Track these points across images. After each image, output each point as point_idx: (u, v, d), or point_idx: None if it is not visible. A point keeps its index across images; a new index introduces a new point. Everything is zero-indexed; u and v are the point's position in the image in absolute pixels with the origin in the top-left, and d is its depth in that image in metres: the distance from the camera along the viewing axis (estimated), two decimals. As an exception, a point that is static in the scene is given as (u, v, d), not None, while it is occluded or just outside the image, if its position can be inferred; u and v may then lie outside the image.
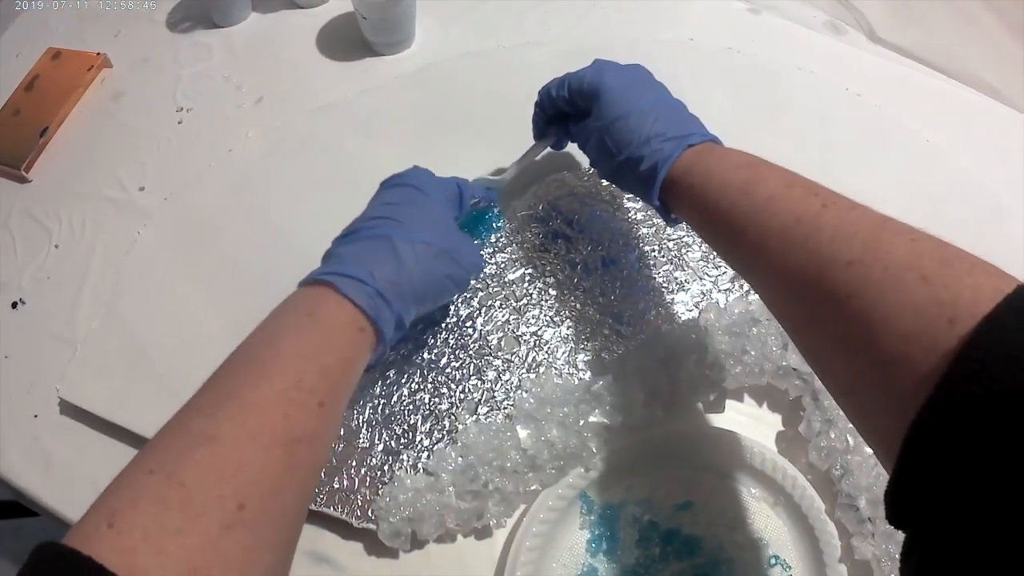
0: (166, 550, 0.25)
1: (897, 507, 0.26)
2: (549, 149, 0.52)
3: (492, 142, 0.56)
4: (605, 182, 0.54)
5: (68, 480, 0.52)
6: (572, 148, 0.52)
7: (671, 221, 0.44)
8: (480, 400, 0.47)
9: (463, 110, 0.61)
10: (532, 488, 0.45)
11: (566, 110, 0.48)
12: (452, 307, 0.49)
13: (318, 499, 0.46)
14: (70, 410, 0.54)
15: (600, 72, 0.45)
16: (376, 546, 0.47)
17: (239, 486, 0.28)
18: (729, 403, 0.51)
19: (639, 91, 0.44)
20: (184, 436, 0.30)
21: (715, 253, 0.52)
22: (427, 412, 0.46)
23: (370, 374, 0.48)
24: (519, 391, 0.47)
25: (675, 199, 0.41)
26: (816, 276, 0.30)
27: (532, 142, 0.52)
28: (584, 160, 0.56)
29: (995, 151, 0.65)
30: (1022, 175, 0.64)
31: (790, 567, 0.48)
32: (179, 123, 0.65)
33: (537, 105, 0.50)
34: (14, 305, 0.60)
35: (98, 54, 0.71)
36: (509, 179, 0.52)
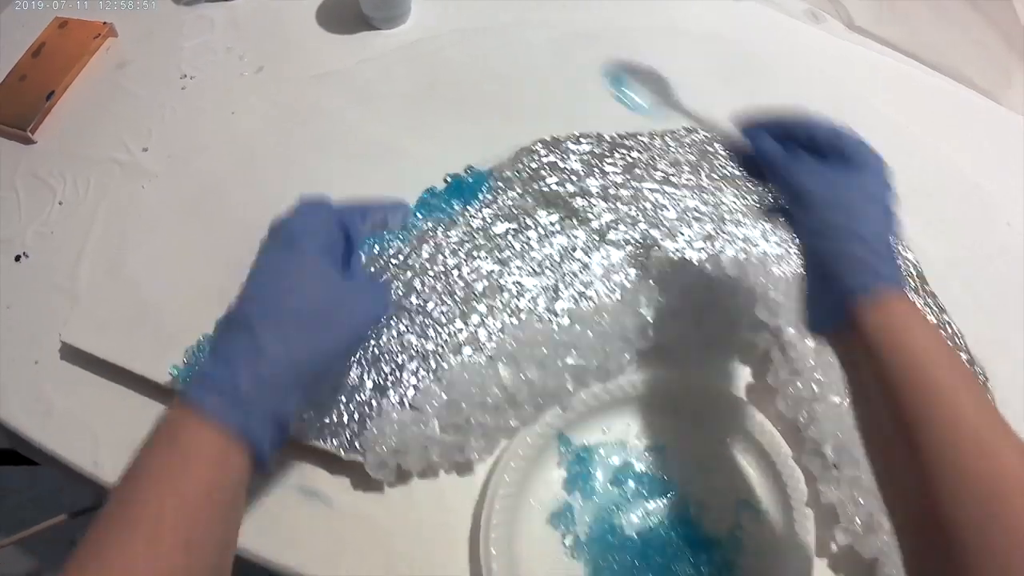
0: None
1: None
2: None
3: (481, 116, 0.59)
4: (585, 145, 0.56)
5: (67, 425, 0.54)
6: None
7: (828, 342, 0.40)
8: (464, 342, 0.49)
9: (456, 84, 0.64)
10: (511, 424, 0.48)
11: (802, 142, 0.41)
12: (440, 256, 0.52)
13: (308, 433, 0.48)
14: (71, 356, 0.56)
15: (866, 153, 0.40)
16: (363, 480, 0.49)
17: None
18: (700, 355, 0.53)
19: (886, 191, 0.40)
20: None
21: (697, 219, 0.55)
22: (414, 352, 0.49)
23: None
24: (501, 334, 0.49)
25: (862, 334, 0.36)
26: (988, 498, 0.30)
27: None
28: (567, 126, 0.59)
29: (970, 138, 0.68)
30: (997, 162, 0.68)
31: (758, 510, 0.51)
32: (182, 89, 0.68)
33: (765, 119, 0.44)
34: (17, 259, 0.62)
35: (104, 24, 0.73)
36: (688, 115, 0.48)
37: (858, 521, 0.49)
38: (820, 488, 0.50)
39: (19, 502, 1.14)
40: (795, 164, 0.41)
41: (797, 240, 0.41)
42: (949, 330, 0.57)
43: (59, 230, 0.62)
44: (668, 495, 0.50)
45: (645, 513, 0.49)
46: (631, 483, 0.50)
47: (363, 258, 0.46)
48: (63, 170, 0.65)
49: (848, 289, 0.36)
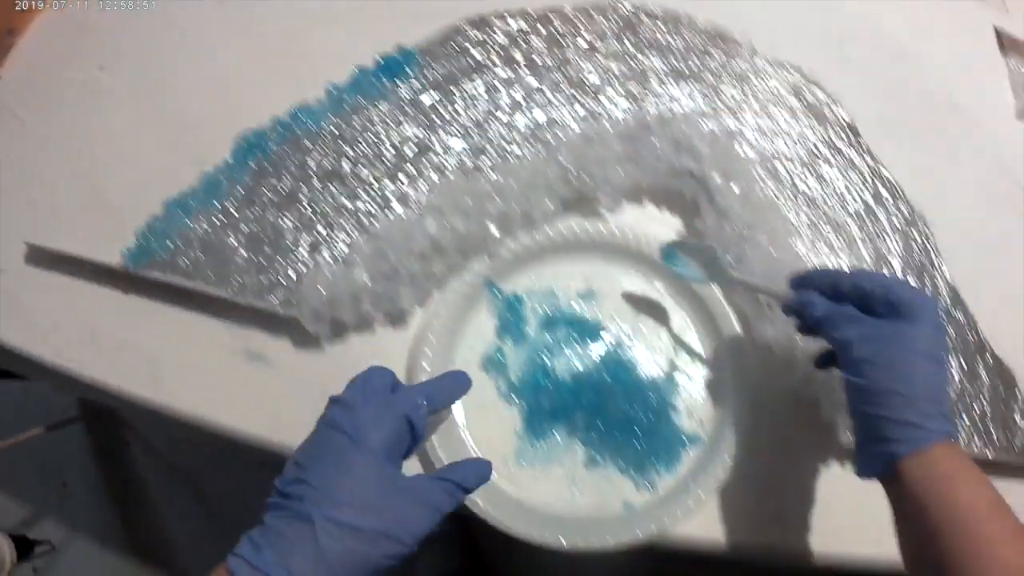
0: None
1: None
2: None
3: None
4: (511, 21, 0.58)
5: (32, 322, 0.56)
6: None
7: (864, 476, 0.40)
8: (393, 200, 0.51)
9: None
10: (439, 272, 0.49)
11: (852, 299, 0.42)
12: (371, 127, 0.54)
13: (247, 295, 0.50)
14: (35, 258, 0.59)
15: (921, 306, 0.40)
16: (303, 339, 0.51)
17: None
18: (629, 206, 0.55)
19: (935, 356, 0.39)
20: None
21: (622, 83, 0.56)
22: (347, 213, 0.51)
23: (295, 183, 0.52)
24: (428, 191, 0.51)
25: (903, 486, 0.38)
26: None
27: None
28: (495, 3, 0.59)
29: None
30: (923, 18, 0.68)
31: (693, 351, 0.52)
32: (137, 10, 0.71)
33: (816, 276, 0.44)
34: (-12, 181, 0.65)
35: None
36: (733, 281, 0.48)
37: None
38: (755, 327, 0.51)
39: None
40: (841, 320, 0.41)
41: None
42: (884, 175, 0.58)
43: (28, 152, 0.65)
44: (600, 338, 0.51)
45: (578, 357, 0.50)
46: (563, 328, 0.51)
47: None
48: (28, 98, 0.68)
49: (892, 451, 0.37)
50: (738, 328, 0.51)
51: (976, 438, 0.52)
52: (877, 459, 0.38)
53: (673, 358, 0.51)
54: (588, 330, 0.51)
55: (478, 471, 0.39)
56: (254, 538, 0.34)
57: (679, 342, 0.52)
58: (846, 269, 0.45)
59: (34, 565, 1.03)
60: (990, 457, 0.51)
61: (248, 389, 0.51)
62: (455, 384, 0.42)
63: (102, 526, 1.08)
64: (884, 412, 0.38)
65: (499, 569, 1.04)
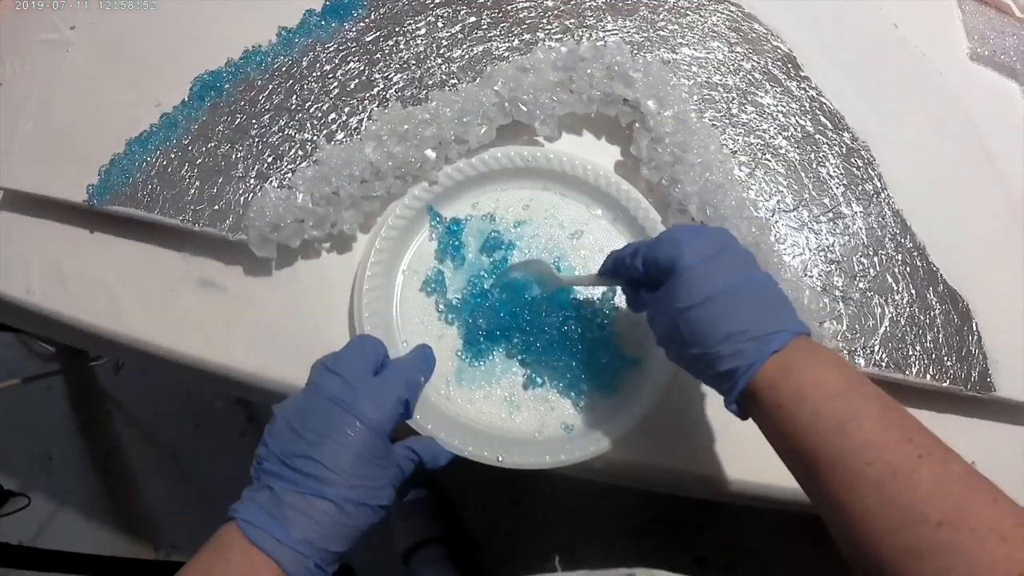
0: None
1: None
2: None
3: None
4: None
5: (7, 265, 0.59)
6: None
7: (742, 417, 0.39)
8: (336, 129, 0.53)
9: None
10: (378, 195, 0.51)
11: (639, 279, 0.43)
12: (318, 64, 0.56)
13: (200, 223, 0.52)
14: (7, 203, 0.62)
15: (676, 244, 0.39)
16: (253, 265, 0.53)
17: None
18: (568, 137, 0.56)
19: (720, 270, 0.38)
20: None
21: (557, 17, 0.58)
22: (292, 143, 0.53)
23: (245, 118, 0.55)
24: (370, 120, 0.53)
25: (755, 410, 0.37)
26: (901, 530, 0.30)
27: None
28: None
29: None
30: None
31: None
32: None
33: (608, 261, 0.45)
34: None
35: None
36: (562, 283, 0.49)
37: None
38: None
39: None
40: (645, 296, 0.42)
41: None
42: (825, 104, 0.59)
43: (1, 106, 0.69)
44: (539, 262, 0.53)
45: (515, 278, 0.52)
46: (501, 251, 0.52)
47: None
48: (2, 57, 0.72)
49: (728, 388, 0.37)
50: (673, 249, 0.52)
51: (930, 368, 0.52)
52: (727, 380, 0.37)
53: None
54: (527, 254, 0.53)
55: (440, 454, 0.43)
56: (265, 506, 0.36)
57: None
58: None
59: (19, 540, 1.06)
60: (943, 386, 0.51)
61: (203, 316, 0.53)
62: (430, 360, 0.45)
63: (86, 496, 1.11)
64: (701, 365, 0.38)
65: (473, 537, 1.06)
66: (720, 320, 0.37)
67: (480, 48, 0.56)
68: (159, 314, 0.54)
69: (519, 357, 0.50)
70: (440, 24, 0.57)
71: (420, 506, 1.01)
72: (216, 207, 0.52)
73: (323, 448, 0.37)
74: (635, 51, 0.56)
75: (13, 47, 0.72)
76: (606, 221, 0.54)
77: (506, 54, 0.55)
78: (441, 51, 0.56)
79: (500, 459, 0.47)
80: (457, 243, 0.52)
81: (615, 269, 0.44)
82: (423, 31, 0.57)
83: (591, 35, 0.57)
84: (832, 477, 0.33)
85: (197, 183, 0.53)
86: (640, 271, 0.41)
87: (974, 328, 0.54)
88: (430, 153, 0.51)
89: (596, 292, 0.52)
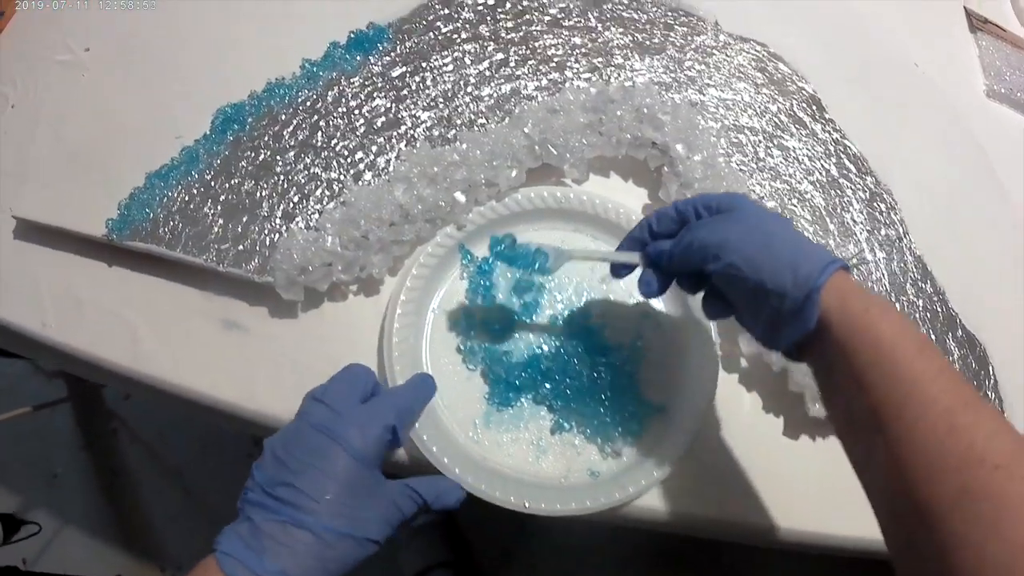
0: None
1: None
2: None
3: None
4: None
5: (16, 293, 0.57)
6: None
7: (791, 355, 0.39)
8: (364, 169, 0.52)
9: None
10: (407, 239, 0.51)
11: (674, 230, 0.42)
12: (343, 99, 0.55)
13: (224, 263, 0.51)
14: (23, 232, 0.61)
15: (736, 197, 0.41)
16: (279, 307, 0.53)
17: None
18: (596, 178, 0.56)
19: (777, 216, 0.40)
20: None
21: (585, 55, 0.58)
22: (319, 182, 0.52)
23: (271, 155, 0.54)
24: (398, 160, 0.52)
25: (820, 344, 0.36)
26: (960, 469, 0.29)
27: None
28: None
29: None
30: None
31: (659, 321, 0.53)
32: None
33: (639, 227, 0.44)
34: (-27, 159, 0.67)
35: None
36: (569, 257, 0.47)
37: (761, 330, 0.50)
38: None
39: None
40: (684, 239, 0.40)
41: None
42: (849, 148, 0.59)
43: (11, 129, 0.67)
44: (568, 305, 0.52)
45: (546, 321, 0.52)
46: (531, 293, 0.52)
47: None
48: (14, 77, 0.70)
49: (808, 284, 0.35)
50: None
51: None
52: (794, 318, 0.36)
53: (639, 326, 0.52)
54: (556, 296, 0.52)
55: (447, 493, 0.42)
56: (244, 537, 0.36)
57: (645, 310, 0.53)
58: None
59: (24, 557, 1.05)
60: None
61: (225, 357, 0.52)
62: (427, 388, 0.45)
63: (91, 515, 1.10)
64: (767, 278, 0.36)
65: (483, 561, 1.05)
66: (783, 240, 0.37)
67: (508, 87, 0.55)
68: (180, 353, 0.53)
69: (547, 402, 0.50)
70: (467, 60, 0.56)
71: (427, 529, 1.01)
72: (241, 247, 0.51)
73: (305, 476, 0.36)
74: (663, 91, 0.56)
75: (25, 67, 0.71)
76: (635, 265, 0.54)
77: (534, 93, 0.55)
78: (469, 88, 0.55)
79: (526, 505, 0.46)
80: (488, 283, 0.52)
81: (639, 235, 0.44)
82: (450, 67, 0.56)
83: (619, 74, 0.56)
84: (902, 408, 0.32)
85: (221, 221, 0.52)
86: (692, 213, 0.41)
87: (991, 372, 0.55)
88: (460, 197, 0.51)
89: (624, 339, 0.52)
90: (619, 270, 0.46)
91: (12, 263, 0.59)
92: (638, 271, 0.45)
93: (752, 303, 0.38)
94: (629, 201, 0.55)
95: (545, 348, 0.51)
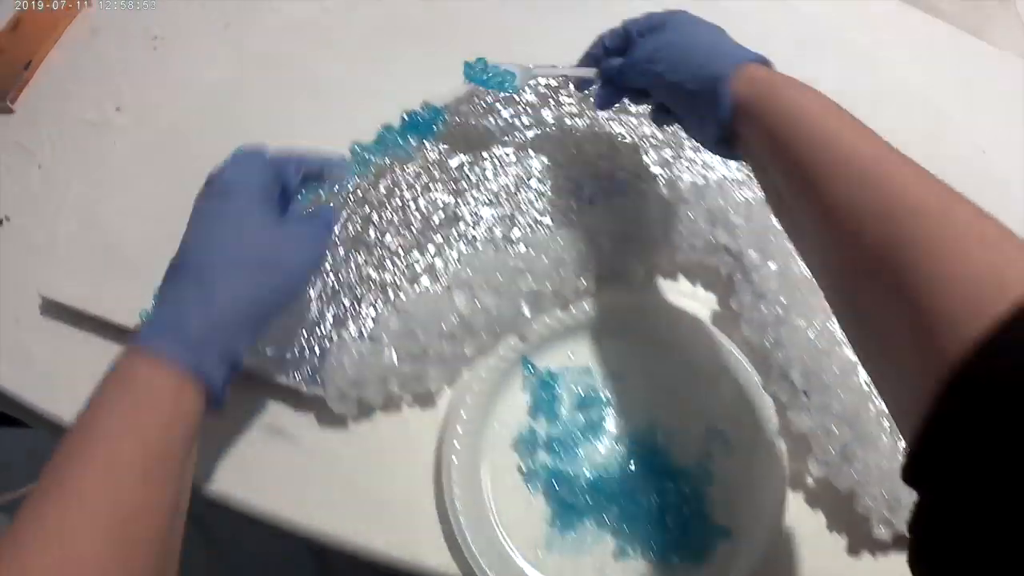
0: None
1: (918, 465, 0.26)
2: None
3: (438, 51, 0.58)
4: (541, 78, 0.56)
5: (48, 379, 0.55)
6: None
7: (727, 153, 0.43)
8: (421, 272, 0.49)
9: (414, 20, 0.64)
10: (469, 353, 0.48)
11: (623, 47, 0.47)
12: (397, 190, 0.52)
13: (271, 369, 0.48)
14: (51, 311, 0.57)
15: (674, 13, 0.46)
16: (327, 416, 0.50)
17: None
18: (663, 283, 0.53)
19: (706, 25, 0.45)
20: (18, 536, 0.29)
21: (655, 146, 0.54)
22: (372, 284, 0.49)
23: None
24: (458, 263, 0.49)
25: (746, 127, 0.39)
26: (886, 217, 0.30)
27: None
28: (526, 55, 0.58)
29: (933, 62, 0.66)
30: (959, 86, 0.66)
31: (727, 440, 0.50)
32: (154, 50, 0.68)
33: (594, 44, 0.49)
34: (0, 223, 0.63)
35: (79, -6, 0.75)
36: (535, 73, 0.51)
37: (832, 451, 0.48)
38: (790, 417, 0.49)
39: (6, 464, 1.15)
40: (632, 54, 0.45)
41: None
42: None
43: (40, 193, 0.64)
44: (634, 422, 0.50)
45: (611, 440, 0.49)
46: (597, 409, 0.49)
47: (303, 203, 0.47)
48: (42, 136, 0.67)
49: (717, 79, 0.39)
50: (774, 417, 0.49)
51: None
52: (711, 110, 0.39)
53: (707, 445, 0.50)
54: (622, 413, 0.50)
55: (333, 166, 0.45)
56: (150, 315, 0.37)
57: (714, 429, 0.50)
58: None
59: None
60: None
61: (270, 466, 0.49)
62: (330, 165, 0.45)
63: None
64: (685, 79, 0.40)
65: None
66: (702, 44, 0.41)
67: (573, 183, 0.52)
68: (220, 459, 0.50)
69: (611, 526, 0.48)
70: (531, 150, 0.53)
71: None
72: (288, 355, 0.48)
73: (192, 237, 0.39)
74: (735, 186, 0.53)
75: (53, 124, 0.67)
76: (703, 378, 0.51)
77: (601, 191, 0.52)
78: (532, 183, 0.52)
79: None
80: (551, 398, 0.49)
81: (595, 52, 0.48)
82: (513, 158, 0.52)
83: (690, 169, 0.53)
84: (819, 167, 0.33)
85: (266, 322, 0.49)
86: (635, 30, 0.45)
87: None
88: (525, 310, 0.47)
89: (688, 460, 0.49)
90: (581, 84, 0.51)
91: (39, 342, 0.56)
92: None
93: (683, 107, 0.43)
94: (697, 308, 0.52)
95: (609, 469, 0.48)
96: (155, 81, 0.66)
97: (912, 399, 0.27)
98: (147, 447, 0.32)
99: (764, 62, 0.40)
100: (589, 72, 0.49)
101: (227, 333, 0.36)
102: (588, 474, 0.48)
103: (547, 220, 0.50)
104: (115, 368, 0.35)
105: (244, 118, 0.61)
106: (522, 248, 0.49)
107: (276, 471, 0.49)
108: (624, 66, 0.46)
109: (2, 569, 0.27)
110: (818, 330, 0.49)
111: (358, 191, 0.52)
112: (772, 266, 0.50)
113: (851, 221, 0.31)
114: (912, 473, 0.27)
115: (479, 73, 0.50)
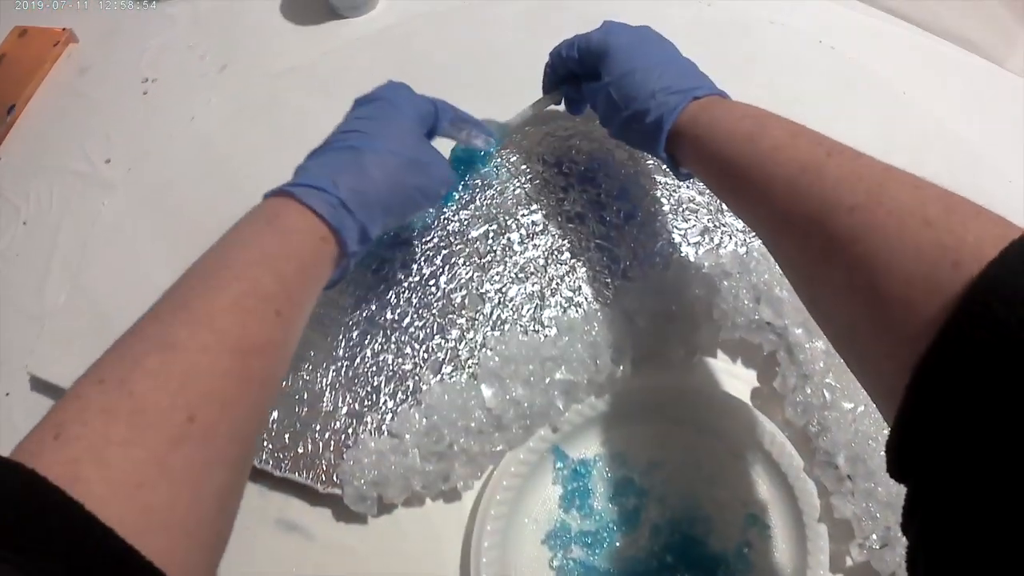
0: (110, 462, 0.24)
1: (900, 458, 0.26)
2: (558, 108, 0.52)
3: (456, 100, 0.54)
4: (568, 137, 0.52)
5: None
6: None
7: (681, 176, 0.43)
8: (444, 359, 0.46)
9: (426, 68, 0.59)
10: (498, 449, 0.44)
11: (576, 71, 0.47)
12: (415, 265, 0.48)
13: (283, 465, 0.45)
14: (41, 386, 0.54)
15: (608, 32, 0.45)
16: (345, 512, 0.46)
17: (190, 397, 0.27)
18: (702, 361, 0.49)
19: (647, 48, 0.44)
20: (136, 345, 0.28)
21: (693, 211, 0.51)
22: (391, 373, 0.45)
23: (333, 335, 0.47)
24: (483, 349, 0.46)
25: (682, 151, 0.41)
26: (820, 221, 0.30)
27: (509, 103, 0.50)
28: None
29: (970, 102, 0.63)
30: (997, 125, 0.62)
31: (768, 526, 0.47)
32: (144, 94, 0.64)
33: (548, 66, 0.50)
34: (-16, 284, 0.59)
35: (64, 30, 0.70)
36: (512, 128, 0.50)
37: (874, 537, 0.45)
38: (833, 502, 0.46)
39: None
40: (585, 88, 0.46)
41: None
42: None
43: (24, 252, 0.60)
44: (671, 511, 0.47)
45: (648, 531, 0.46)
46: (632, 498, 0.46)
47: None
48: (27, 187, 0.62)
49: (656, 135, 0.40)
50: (816, 503, 0.47)
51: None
52: (655, 129, 0.40)
53: (746, 533, 0.47)
54: (659, 501, 0.47)
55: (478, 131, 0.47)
56: (305, 166, 0.39)
57: (753, 515, 0.47)
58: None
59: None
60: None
61: (283, 562, 0.46)
62: (480, 126, 0.47)
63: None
64: (649, 86, 0.41)
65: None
66: (647, 82, 0.41)
67: (607, 256, 0.48)
68: (229, 552, 0.46)
69: (647, 622, 0.45)
70: (560, 217, 0.49)
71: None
72: (301, 450, 0.45)
73: (364, 122, 0.40)
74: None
75: (38, 175, 0.63)
76: (743, 462, 0.48)
77: (636, 264, 0.48)
78: (563, 256, 0.48)
79: None
80: (584, 489, 0.46)
81: (554, 73, 0.49)
82: (540, 226, 0.49)
83: (730, 238, 0.49)
84: (749, 187, 0.34)
85: (275, 414, 0.45)
86: (576, 59, 0.46)
87: None
88: (559, 401, 0.44)
89: (727, 548, 0.46)
90: (572, 109, 0.52)
91: (30, 418, 0.52)
92: None
93: (629, 137, 0.45)
94: (739, 388, 0.49)
95: (645, 562, 0.45)
96: (145, 131, 0.62)
97: (887, 391, 0.26)
98: (285, 285, 0.32)
99: (706, 94, 0.41)
100: (557, 99, 0.50)
101: (369, 209, 0.37)
102: (622, 567, 0.45)
103: (580, 298, 0.47)
104: (260, 209, 0.36)
105: (240, 170, 0.57)
106: (554, 331, 0.45)
107: (290, 569, 0.46)
108: (585, 90, 0.47)
109: (118, 370, 0.27)
110: (864, 411, 0.46)
111: (370, 265, 0.48)
112: (819, 344, 0.47)
113: (791, 233, 0.32)
114: (896, 467, 0.26)
115: (462, 154, 0.50)
